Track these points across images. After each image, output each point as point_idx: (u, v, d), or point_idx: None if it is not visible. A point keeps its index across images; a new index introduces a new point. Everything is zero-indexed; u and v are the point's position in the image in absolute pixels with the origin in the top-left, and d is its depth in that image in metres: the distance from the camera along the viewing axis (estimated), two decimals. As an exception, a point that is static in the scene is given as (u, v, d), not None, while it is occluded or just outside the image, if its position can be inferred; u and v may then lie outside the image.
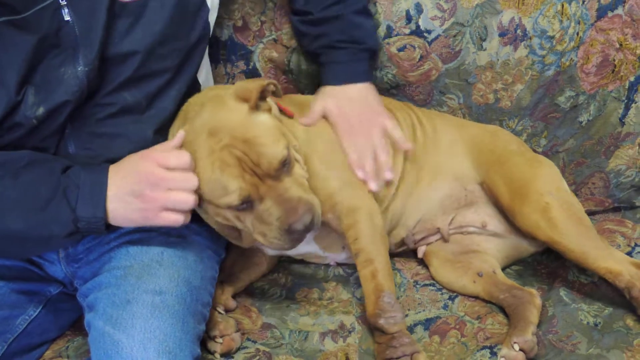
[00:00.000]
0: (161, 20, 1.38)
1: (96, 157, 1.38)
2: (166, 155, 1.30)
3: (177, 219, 1.29)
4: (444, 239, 1.71)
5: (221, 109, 1.38)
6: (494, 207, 1.68)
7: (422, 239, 1.73)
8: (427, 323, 1.56)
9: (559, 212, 1.54)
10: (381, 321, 1.42)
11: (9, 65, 1.27)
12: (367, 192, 1.58)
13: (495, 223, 1.69)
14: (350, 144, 1.58)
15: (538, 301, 1.53)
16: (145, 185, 1.27)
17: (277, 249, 1.42)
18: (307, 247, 1.63)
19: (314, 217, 1.36)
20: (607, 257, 1.50)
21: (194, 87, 1.53)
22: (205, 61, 1.62)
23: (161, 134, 1.44)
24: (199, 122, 1.37)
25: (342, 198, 1.52)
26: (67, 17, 1.29)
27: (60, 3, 1.28)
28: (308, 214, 1.35)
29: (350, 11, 1.62)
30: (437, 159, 1.70)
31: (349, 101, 1.61)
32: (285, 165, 1.36)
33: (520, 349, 1.41)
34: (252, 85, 1.40)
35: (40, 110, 1.31)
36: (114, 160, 1.36)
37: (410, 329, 1.54)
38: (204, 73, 1.61)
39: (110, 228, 1.31)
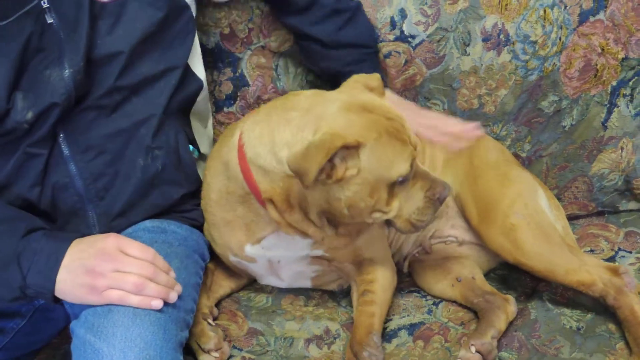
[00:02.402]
0: (141, 18, 1.38)
1: (93, 161, 1.39)
2: (131, 243, 1.28)
3: (119, 296, 1.23)
4: (426, 252, 1.72)
5: (355, 93, 1.36)
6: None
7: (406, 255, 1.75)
8: (411, 328, 1.57)
9: (524, 233, 1.52)
10: (365, 353, 1.41)
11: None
12: (387, 245, 1.61)
13: (471, 236, 1.68)
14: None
15: (511, 308, 1.53)
16: (97, 262, 1.24)
17: (418, 227, 1.38)
18: (301, 282, 1.63)
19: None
20: (577, 270, 1.48)
21: (189, 79, 1.54)
22: (197, 53, 1.61)
23: (154, 131, 1.44)
24: (335, 107, 1.30)
25: (367, 255, 1.54)
26: (50, 20, 1.29)
27: (42, 7, 1.29)
28: (447, 183, 1.38)
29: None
30: None
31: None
32: None
33: (477, 351, 1.42)
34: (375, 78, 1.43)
35: (30, 115, 1.30)
36: (112, 162, 1.38)
37: (394, 333, 1.55)
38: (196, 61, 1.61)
39: (58, 301, 1.28)
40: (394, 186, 1.32)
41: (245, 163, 1.36)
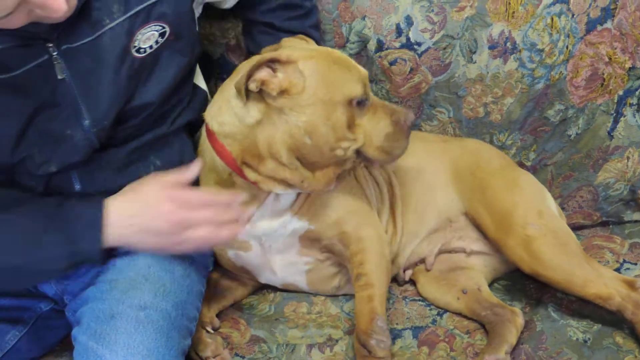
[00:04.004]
0: (172, 66, 1.38)
1: (98, 175, 1.38)
2: (186, 194, 1.29)
3: (201, 236, 1.27)
4: (426, 269, 1.70)
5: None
6: (478, 231, 1.67)
7: (407, 268, 1.73)
8: (416, 331, 1.56)
9: (541, 244, 1.51)
10: (372, 341, 1.40)
11: (3, 127, 1.24)
12: (376, 219, 1.58)
13: (480, 245, 1.67)
14: None
15: (519, 320, 1.52)
16: (163, 224, 1.25)
17: (393, 154, 1.41)
18: (295, 277, 1.62)
19: None
20: (594, 282, 1.47)
21: (195, 97, 1.53)
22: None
23: (159, 148, 1.44)
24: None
25: (350, 227, 1.52)
26: (60, 75, 1.25)
27: (53, 61, 1.23)
28: (409, 109, 1.44)
29: (308, 26, 1.65)
30: (421, 196, 1.67)
31: None
32: None
33: None
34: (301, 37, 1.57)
35: (53, 168, 1.30)
36: (114, 175, 1.38)
37: (399, 334, 1.55)
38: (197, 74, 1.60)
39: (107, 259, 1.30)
40: (351, 109, 1.35)
41: (216, 143, 1.40)
